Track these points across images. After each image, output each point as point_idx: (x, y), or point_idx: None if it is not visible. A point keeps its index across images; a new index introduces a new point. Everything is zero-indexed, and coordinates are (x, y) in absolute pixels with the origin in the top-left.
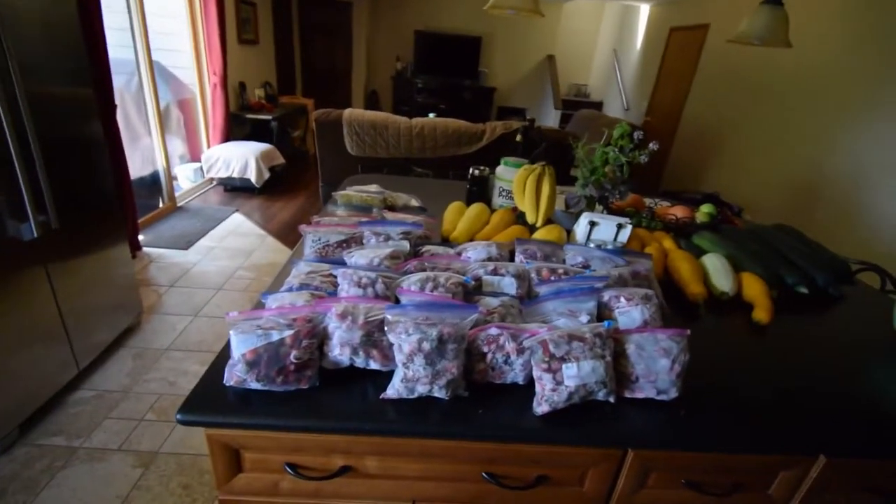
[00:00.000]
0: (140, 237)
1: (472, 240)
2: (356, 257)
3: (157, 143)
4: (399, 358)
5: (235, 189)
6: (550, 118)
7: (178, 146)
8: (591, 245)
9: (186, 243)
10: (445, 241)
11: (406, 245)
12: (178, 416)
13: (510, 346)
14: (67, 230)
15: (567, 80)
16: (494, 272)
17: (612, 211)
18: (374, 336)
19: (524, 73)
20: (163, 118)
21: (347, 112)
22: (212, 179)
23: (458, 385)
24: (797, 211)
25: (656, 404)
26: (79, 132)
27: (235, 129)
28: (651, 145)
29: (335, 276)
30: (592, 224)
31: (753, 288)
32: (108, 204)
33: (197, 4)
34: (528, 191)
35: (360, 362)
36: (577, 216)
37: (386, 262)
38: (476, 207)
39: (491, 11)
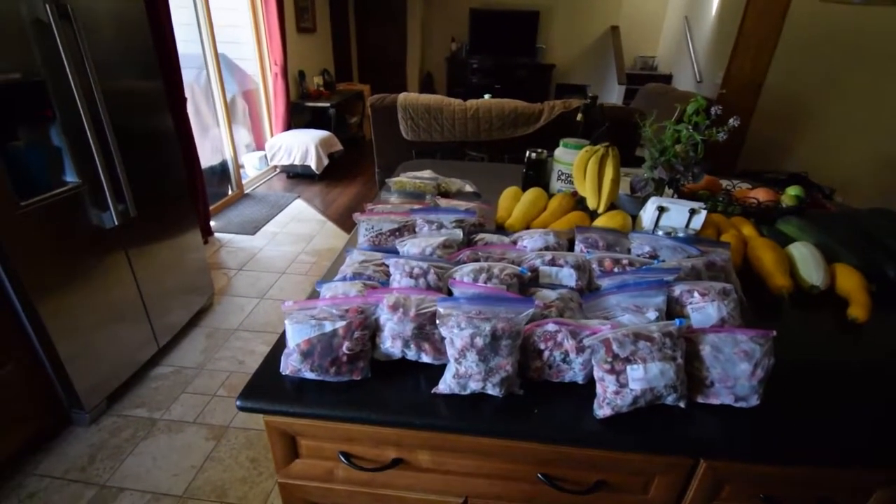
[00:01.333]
0: (211, 223)
1: (528, 227)
2: (409, 246)
3: (225, 133)
4: (451, 353)
5: (297, 176)
6: (614, 94)
7: (244, 136)
8: (660, 233)
9: (253, 229)
10: (500, 229)
11: (459, 234)
12: (238, 403)
13: (569, 344)
14: (144, 218)
15: (632, 53)
16: (552, 262)
17: (683, 195)
18: (425, 329)
19: (585, 48)
20: (230, 109)
21: (402, 97)
22: (275, 167)
23: (513, 383)
24: None
25: (733, 411)
26: (151, 125)
27: (296, 117)
28: (731, 121)
29: (388, 266)
30: (661, 209)
31: (849, 281)
32: (181, 192)
33: None
34: (589, 174)
35: (411, 355)
36: (643, 201)
37: (438, 252)
38: (533, 192)
39: None
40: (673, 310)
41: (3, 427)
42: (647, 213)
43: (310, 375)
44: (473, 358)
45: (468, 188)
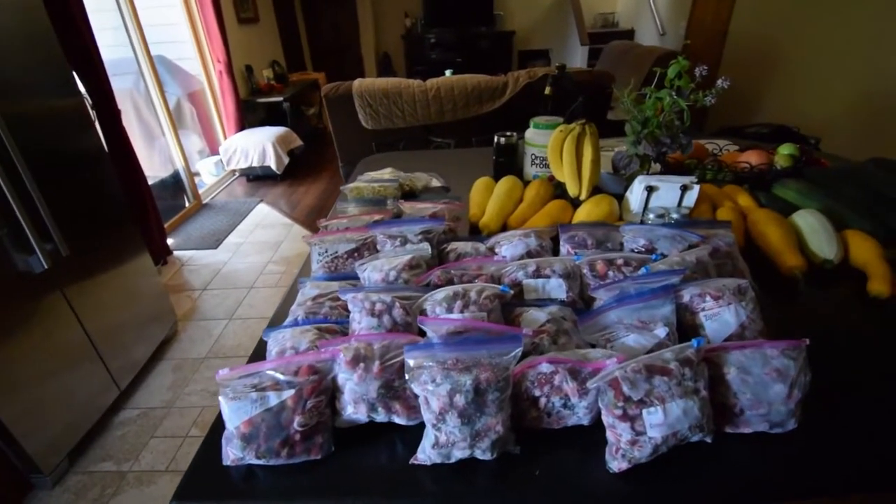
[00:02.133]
0: (169, 241)
1: (504, 224)
2: (369, 271)
3: (172, 141)
4: (427, 416)
5: (258, 178)
6: (577, 57)
7: (195, 141)
8: (651, 216)
9: (215, 242)
10: (475, 230)
11: (427, 248)
12: None
13: (569, 387)
14: (79, 252)
15: (592, 11)
16: (537, 274)
17: (668, 167)
18: (394, 385)
19: (544, 10)
20: (176, 114)
21: (357, 83)
22: (233, 171)
23: (507, 441)
24: (884, 135)
25: (768, 439)
26: (75, 148)
27: (249, 115)
28: (720, 82)
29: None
30: (650, 189)
31: (864, 251)
32: (120, 216)
33: None
34: (566, 157)
35: (380, 418)
36: (629, 180)
37: (404, 276)
38: (506, 182)
39: None
40: (683, 318)
41: None
42: (635, 195)
43: (258, 462)
44: (455, 421)
45: (435, 182)
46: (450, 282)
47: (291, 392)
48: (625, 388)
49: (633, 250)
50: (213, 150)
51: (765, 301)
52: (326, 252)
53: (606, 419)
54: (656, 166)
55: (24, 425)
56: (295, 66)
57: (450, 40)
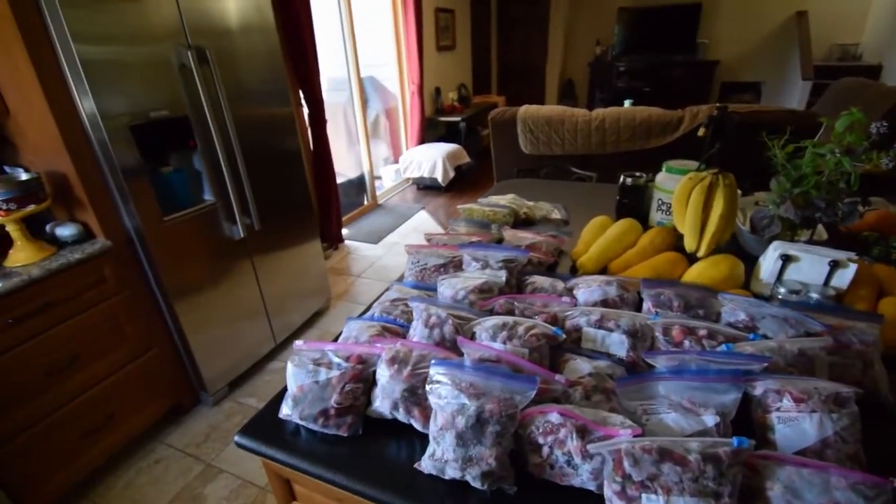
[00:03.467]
0: (344, 231)
1: (604, 268)
2: (445, 287)
3: (364, 149)
4: (432, 428)
5: (426, 187)
6: (796, 92)
7: (383, 150)
8: (782, 291)
9: (377, 238)
10: (574, 268)
11: (502, 276)
12: (236, 439)
13: (573, 445)
14: (268, 230)
15: (827, 41)
16: (600, 324)
17: (836, 235)
18: (418, 391)
19: (760, 39)
20: (373, 126)
21: (523, 109)
22: (408, 179)
23: (501, 478)
24: None
25: None
26: (281, 147)
27: (430, 131)
28: None
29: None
30: (787, 259)
31: None
32: (305, 207)
33: (400, 18)
34: (691, 207)
35: (401, 417)
36: (768, 243)
37: (471, 297)
38: (622, 225)
39: None
40: (754, 415)
41: (144, 402)
42: (768, 262)
43: (300, 423)
44: (451, 440)
45: (556, 214)
46: (510, 312)
47: (337, 373)
48: (626, 464)
49: (728, 324)
50: (397, 159)
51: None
52: (418, 262)
53: (606, 492)
54: (806, 233)
55: (205, 353)
56: (481, 88)
57: (641, 68)
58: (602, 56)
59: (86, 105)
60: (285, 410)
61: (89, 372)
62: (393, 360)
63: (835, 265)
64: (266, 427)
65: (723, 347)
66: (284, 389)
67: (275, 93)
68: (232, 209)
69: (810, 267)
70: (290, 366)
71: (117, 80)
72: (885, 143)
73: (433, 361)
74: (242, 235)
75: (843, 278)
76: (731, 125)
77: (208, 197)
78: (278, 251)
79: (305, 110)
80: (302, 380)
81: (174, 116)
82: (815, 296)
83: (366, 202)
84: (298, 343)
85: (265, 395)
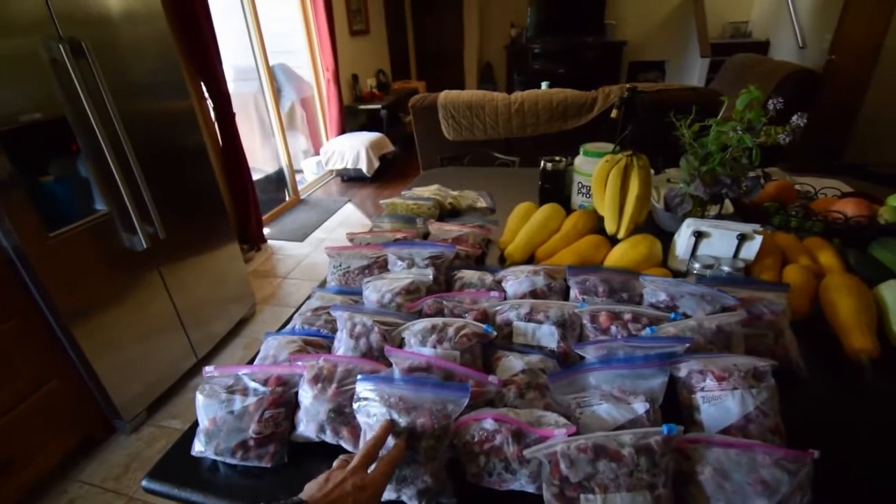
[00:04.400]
0: (266, 230)
1: (532, 255)
2: (370, 290)
3: (280, 142)
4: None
5: (351, 179)
6: (696, 70)
7: (302, 142)
8: (697, 266)
9: (302, 235)
10: (502, 257)
11: (429, 274)
12: (143, 483)
13: (510, 451)
14: (176, 236)
15: (721, 19)
16: (529, 317)
17: (741, 207)
18: (345, 410)
19: (661, 19)
20: (288, 117)
21: (443, 95)
22: (331, 171)
23: (439, 493)
24: None
25: None
26: (182, 145)
27: (350, 120)
28: (795, 119)
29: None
30: (700, 235)
31: None
32: (216, 208)
33: (308, 3)
34: (609, 189)
35: (329, 439)
36: (681, 220)
37: (398, 300)
38: (545, 211)
39: None
40: (680, 396)
41: (48, 438)
42: (682, 238)
43: (217, 458)
44: None
45: (482, 203)
46: (439, 312)
47: (255, 400)
48: (562, 467)
49: (651, 305)
50: (317, 151)
51: (814, 392)
52: (340, 266)
53: (545, 495)
54: (713, 208)
55: (115, 378)
56: (400, 74)
57: (554, 50)
58: (517, 38)
59: None
60: (198, 447)
61: None
62: (316, 379)
63: (742, 238)
64: (178, 466)
65: (647, 331)
66: (195, 425)
67: (169, 85)
68: (129, 217)
69: (720, 241)
70: (199, 396)
71: None
72: (781, 118)
73: (359, 377)
74: (145, 246)
75: (751, 250)
76: (642, 105)
77: (100, 206)
78: (190, 258)
79: (210, 103)
80: (214, 411)
81: (49, 118)
82: (726, 268)
83: (287, 198)
84: (208, 369)
85: (190, 416)
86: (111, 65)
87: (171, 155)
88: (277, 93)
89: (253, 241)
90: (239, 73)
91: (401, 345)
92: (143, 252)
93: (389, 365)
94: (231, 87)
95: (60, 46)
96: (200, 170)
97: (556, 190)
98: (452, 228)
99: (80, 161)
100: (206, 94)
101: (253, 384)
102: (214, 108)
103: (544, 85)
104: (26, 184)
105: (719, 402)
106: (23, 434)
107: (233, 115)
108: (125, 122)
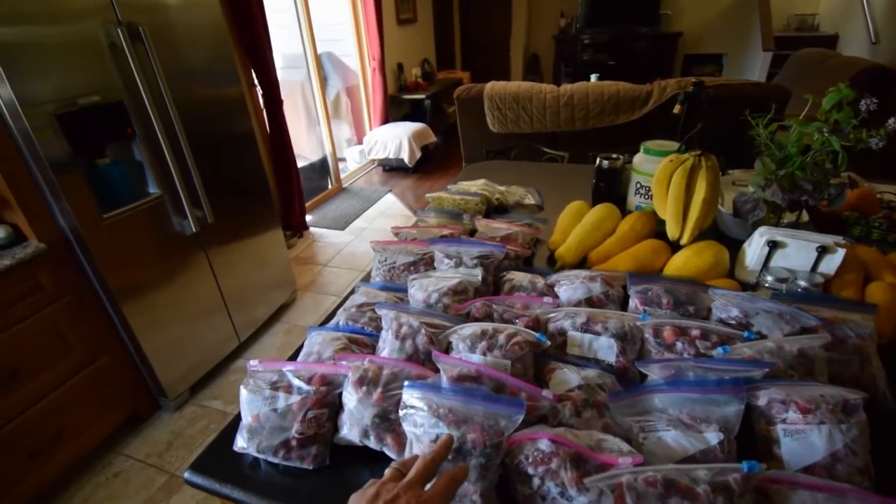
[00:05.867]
0: (308, 218)
1: (584, 258)
2: (416, 288)
3: (325, 130)
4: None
5: (392, 169)
6: (757, 64)
7: (346, 130)
8: (769, 279)
9: (344, 224)
10: (554, 260)
11: (477, 275)
12: (186, 476)
13: (567, 476)
14: (223, 221)
15: (787, 11)
16: (586, 327)
17: (817, 216)
18: (390, 417)
19: (721, 10)
20: (333, 105)
21: (489, 86)
22: (373, 160)
23: None
24: None
25: None
26: (232, 131)
27: (394, 110)
28: (892, 121)
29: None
30: (774, 245)
31: None
32: (263, 194)
33: None
34: (672, 191)
35: (373, 445)
36: (753, 228)
37: (445, 301)
38: (599, 211)
39: None
40: (757, 426)
41: (97, 413)
42: (753, 248)
43: (258, 455)
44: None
45: (530, 200)
46: (488, 316)
47: (298, 398)
48: (628, 500)
49: (720, 321)
50: (360, 140)
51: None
52: (386, 261)
53: None
54: (790, 217)
55: (161, 357)
56: (445, 63)
57: (604, 41)
58: (566, 29)
59: (2, 93)
60: (240, 443)
61: (31, 387)
62: (361, 381)
63: (823, 251)
64: (219, 461)
65: (719, 350)
66: (238, 418)
67: (222, 72)
68: (181, 202)
69: (797, 253)
70: (243, 391)
71: (37, 64)
72: (874, 120)
73: (406, 384)
74: (194, 230)
75: (831, 264)
76: (708, 101)
77: (153, 190)
78: (236, 243)
79: (259, 91)
80: (258, 407)
81: (107, 102)
82: (802, 283)
83: (330, 186)
84: (253, 363)
85: (231, 397)
86: (167, 50)
87: (221, 141)
88: (324, 81)
89: (296, 227)
90: (287, 60)
91: (447, 349)
92: (191, 235)
93: (436, 369)
94: (279, 74)
95: (119, 31)
96: (248, 156)
97: (611, 189)
98: (501, 226)
99: (134, 145)
100: (256, 82)
101: (297, 382)
102: (263, 96)
103: (594, 77)
104: (83, 166)
105: (803, 436)
106: (74, 407)
107: (281, 103)
108: (178, 108)
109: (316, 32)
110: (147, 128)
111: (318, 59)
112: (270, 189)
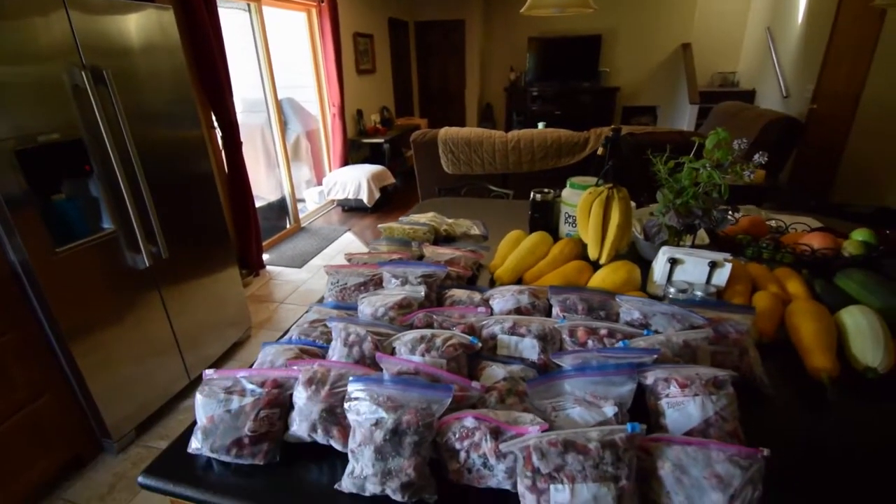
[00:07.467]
0: (265, 256)
1: (519, 278)
2: (365, 304)
3: (284, 172)
4: (350, 445)
5: (351, 209)
6: (686, 115)
7: (305, 172)
8: (672, 291)
9: (301, 262)
10: (492, 279)
11: (420, 291)
12: (140, 479)
13: (488, 446)
14: (178, 258)
15: (710, 69)
16: (512, 331)
17: (717, 238)
18: (336, 411)
19: (653, 68)
20: (294, 148)
21: (443, 131)
22: (332, 201)
23: (421, 489)
24: None
25: None
26: (190, 171)
27: (353, 153)
28: (757, 157)
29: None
30: (674, 262)
31: None
32: (218, 233)
33: (318, 41)
34: (592, 219)
35: (320, 439)
36: (657, 249)
37: (391, 314)
38: (534, 238)
39: (529, 13)
40: (648, 402)
41: (38, 454)
42: (659, 265)
43: (212, 455)
44: (370, 455)
45: (475, 230)
46: (429, 325)
47: (251, 400)
48: (534, 459)
49: (626, 322)
50: (320, 181)
51: (776, 406)
52: (338, 283)
53: (519, 487)
54: (688, 238)
55: (107, 397)
56: (403, 111)
57: (551, 94)
58: (516, 82)
59: None
60: (194, 444)
61: None
62: (310, 381)
63: (713, 265)
64: (174, 464)
65: (620, 344)
66: (194, 423)
67: (183, 114)
68: (135, 236)
69: (694, 268)
70: (198, 396)
71: None
72: (748, 157)
73: (351, 378)
74: (147, 264)
75: (721, 276)
76: (626, 144)
77: (107, 225)
78: (190, 280)
79: (218, 132)
80: (212, 410)
81: (67, 140)
82: (699, 293)
83: (288, 225)
84: (208, 372)
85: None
86: (129, 92)
87: (180, 179)
88: (284, 125)
89: (252, 266)
90: (248, 105)
91: (392, 353)
92: (144, 272)
93: (381, 371)
94: (240, 118)
95: (83, 74)
96: (206, 195)
97: (544, 219)
98: (446, 252)
99: (91, 181)
100: (216, 124)
101: (250, 385)
102: (223, 137)
103: (541, 125)
104: (39, 201)
105: (682, 407)
106: (11, 449)
107: (240, 144)
108: (138, 147)
109: (277, 79)
110: (105, 165)
111: (278, 104)
112: (228, 228)
